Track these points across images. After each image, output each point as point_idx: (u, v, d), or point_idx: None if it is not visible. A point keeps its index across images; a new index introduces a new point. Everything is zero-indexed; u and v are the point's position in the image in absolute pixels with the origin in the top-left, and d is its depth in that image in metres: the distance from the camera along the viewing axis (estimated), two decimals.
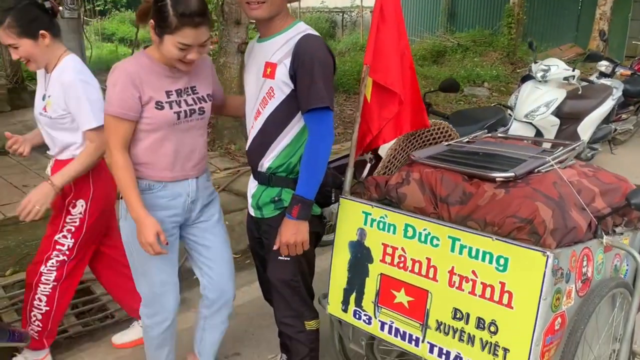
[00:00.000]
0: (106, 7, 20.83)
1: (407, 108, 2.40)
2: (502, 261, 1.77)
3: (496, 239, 1.78)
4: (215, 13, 6.36)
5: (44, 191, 2.34)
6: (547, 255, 1.67)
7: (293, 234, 2.05)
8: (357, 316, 2.20)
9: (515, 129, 5.07)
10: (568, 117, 5.50)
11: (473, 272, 1.84)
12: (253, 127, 2.18)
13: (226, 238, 2.45)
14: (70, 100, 2.37)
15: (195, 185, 2.24)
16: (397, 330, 2.07)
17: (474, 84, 10.67)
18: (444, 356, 1.94)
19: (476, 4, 15.71)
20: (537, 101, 5.15)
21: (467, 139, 2.49)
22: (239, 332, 3.10)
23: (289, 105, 2.06)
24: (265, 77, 2.08)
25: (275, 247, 2.12)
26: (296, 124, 2.09)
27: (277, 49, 2.06)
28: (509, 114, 5.22)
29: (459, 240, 1.87)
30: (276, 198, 2.14)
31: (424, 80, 10.81)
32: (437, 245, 1.93)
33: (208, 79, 2.25)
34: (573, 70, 5.20)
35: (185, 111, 2.11)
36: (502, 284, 1.77)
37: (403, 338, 2.05)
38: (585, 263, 1.90)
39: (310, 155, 2.02)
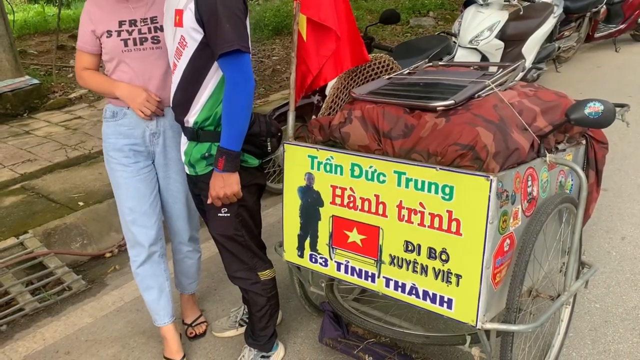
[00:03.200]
0: None
1: (345, 44, 2.33)
2: (447, 190, 1.77)
3: (440, 168, 1.77)
4: None
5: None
6: (491, 180, 1.67)
7: (221, 187, 1.98)
8: (313, 260, 2.19)
9: (461, 56, 5.05)
10: (512, 39, 5.50)
11: (420, 204, 1.83)
12: (172, 81, 2.08)
13: (185, 193, 2.48)
14: None
15: (156, 118, 2.29)
16: (352, 269, 2.07)
17: (420, 14, 10.54)
18: (399, 289, 1.96)
19: None
20: (480, 26, 5.12)
21: (408, 71, 2.44)
22: (201, 289, 3.08)
23: (203, 53, 1.94)
24: (176, 25, 1.96)
25: (208, 202, 2.07)
26: (216, 72, 1.98)
27: None
28: (454, 42, 5.17)
29: (404, 174, 1.86)
30: (207, 154, 2.06)
31: (369, 14, 10.62)
32: (384, 182, 1.91)
33: None
34: None
35: (134, 39, 2.19)
36: (450, 213, 1.77)
37: (359, 276, 2.06)
38: (530, 183, 1.92)
39: (228, 104, 1.91)
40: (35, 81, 6.48)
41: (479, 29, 5.12)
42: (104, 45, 2.22)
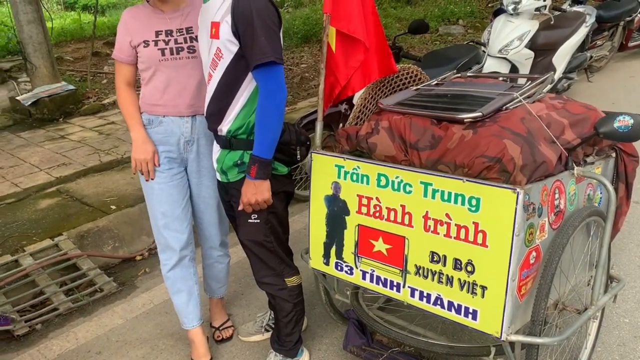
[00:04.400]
0: None
1: (373, 55, 2.36)
2: (474, 202, 1.78)
3: (466, 180, 1.78)
4: None
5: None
6: (517, 192, 1.68)
7: (253, 193, 2.04)
8: (338, 268, 2.22)
9: (490, 65, 5.03)
10: (542, 49, 5.46)
11: (447, 214, 1.85)
12: (207, 91, 2.14)
13: (216, 200, 2.54)
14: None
15: (190, 125, 2.36)
16: (378, 278, 2.10)
17: (449, 22, 10.52)
18: (424, 299, 1.97)
19: None
20: (510, 35, 5.09)
21: (436, 81, 2.46)
22: (228, 293, 3.13)
23: (238, 64, 2.00)
24: (212, 37, 2.02)
25: (239, 208, 2.12)
26: (250, 83, 2.04)
27: (218, 7, 1.98)
28: (483, 51, 5.16)
29: (430, 184, 1.87)
30: (239, 161, 2.11)
31: (398, 22, 10.65)
32: (410, 192, 1.93)
33: None
34: (544, 0, 5.12)
35: (171, 49, 2.26)
36: (476, 224, 1.79)
37: (385, 285, 2.08)
38: (557, 196, 1.92)
39: (262, 113, 1.97)
40: (71, 87, 6.67)
41: (508, 38, 5.09)
42: (140, 54, 2.29)
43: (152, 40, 2.26)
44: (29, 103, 6.36)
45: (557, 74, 5.56)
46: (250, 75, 2.01)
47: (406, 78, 2.58)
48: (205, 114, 2.19)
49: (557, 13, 5.60)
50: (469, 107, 2.00)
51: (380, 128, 2.07)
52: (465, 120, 1.92)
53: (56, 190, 4.47)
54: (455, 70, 2.63)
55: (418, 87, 2.40)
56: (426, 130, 1.96)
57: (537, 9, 5.15)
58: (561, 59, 5.54)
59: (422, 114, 2.03)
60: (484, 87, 2.26)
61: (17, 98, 6.49)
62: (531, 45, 5.24)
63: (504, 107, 1.99)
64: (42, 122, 6.28)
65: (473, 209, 1.79)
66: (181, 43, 2.27)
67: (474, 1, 11.96)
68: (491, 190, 1.74)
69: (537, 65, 5.48)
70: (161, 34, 2.27)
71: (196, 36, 2.26)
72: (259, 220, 2.15)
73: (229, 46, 1.98)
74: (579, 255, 2.14)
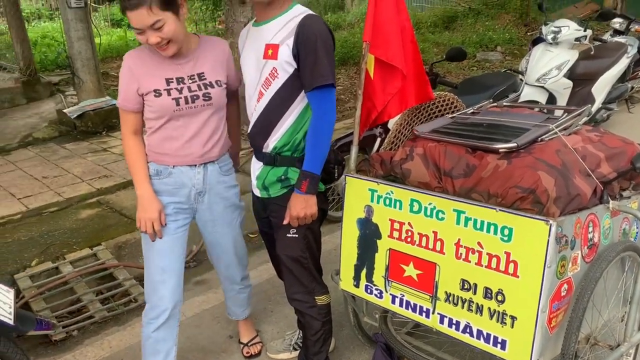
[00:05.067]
0: None
1: (410, 82, 2.40)
2: (506, 231, 1.79)
3: (500, 210, 1.80)
4: None
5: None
6: (550, 224, 1.69)
7: (303, 207, 2.11)
8: (368, 291, 2.25)
9: (527, 93, 5.01)
10: (582, 79, 5.42)
11: (479, 243, 1.87)
12: (255, 109, 2.21)
13: (237, 235, 2.52)
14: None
15: (202, 175, 2.28)
16: (407, 303, 2.12)
17: (487, 48, 10.50)
18: (454, 326, 1.98)
19: None
20: (548, 64, 5.07)
21: (472, 110, 2.49)
22: (258, 310, 3.18)
23: (292, 84, 2.10)
24: (267, 58, 2.10)
25: (285, 222, 2.18)
26: (300, 102, 2.13)
27: (277, 31, 2.08)
28: (520, 79, 5.15)
29: (463, 212, 1.90)
30: (283, 177, 2.19)
31: (436, 47, 10.69)
32: (442, 219, 1.96)
33: (219, 65, 2.24)
34: (585, 31, 5.10)
35: (186, 97, 2.14)
36: (508, 254, 1.80)
37: (414, 310, 2.10)
38: (591, 229, 1.91)
39: (316, 131, 2.08)
40: (114, 102, 6.91)
41: (547, 67, 5.07)
42: (150, 103, 2.15)
43: (165, 90, 2.12)
44: (75, 116, 6.61)
45: (597, 105, 5.50)
46: (301, 95, 2.11)
47: (442, 105, 2.62)
48: (249, 131, 2.26)
49: (597, 43, 5.55)
50: (504, 137, 2.02)
51: (415, 154, 2.11)
52: (500, 150, 1.94)
53: (97, 201, 4.63)
54: (491, 99, 2.65)
55: (454, 115, 2.43)
56: (461, 159, 1.99)
57: (577, 39, 5.13)
58: (601, 89, 5.48)
59: (457, 142, 2.06)
60: (519, 117, 2.28)
61: (64, 111, 6.76)
62: (570, 75, 5.21)
63: (539, 139, 2.00)
64: (86, 135, 6.51)
65: (505, 238, 1.80)
66: (196, 90, 2.16)
67: (513, 28, 11.94)
68: (524, 221, 1.75)
69: (576, 95, 5.43)
70: (172, 81, 2.14)
71: (210, 82, 2.19)
72: (297, 235, 2.21)
73: (286, 67, 2.07)
74: (612, 290, 2.12)
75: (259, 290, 3.37)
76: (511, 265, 1.79)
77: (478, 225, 1.86)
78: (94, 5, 18.69)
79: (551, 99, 5.15)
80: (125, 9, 1.95)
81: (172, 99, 2.12)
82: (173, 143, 2.20)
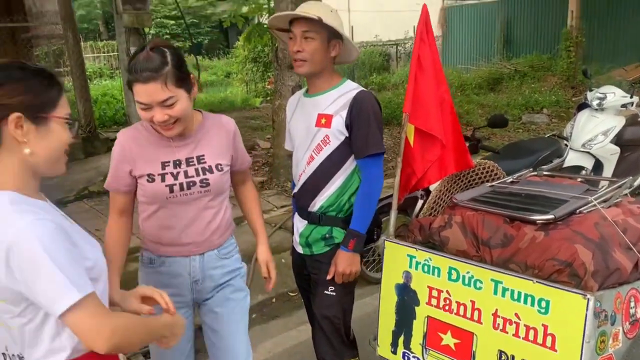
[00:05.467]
0: None
1: (450, 150, 2.48)
2: (543, 304, 1.79)
3: (537, 281, 1.81)
4: (271, 58, 6.67)
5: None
6: (588, 298, 1.69)
7: (349, 264, 2.19)
8: (406, 358, 2.25)
9: (572, 159, 4.97)
10: (629, 144, 5.34)
11: (516, 314, 1.87)
12: (305, 171, 2.32)
13: (242, 325, 2.16)
14: None
15: (198, 264, 2.02)
16: None
17: (533, 110, 10.49)
18: None
19: (532, 29, 15.48)
20: (594, 130, 5.04)
21: (511, 179, 2.53)
22: None
23: (342, 150, 2.23)
24: (320, 126, 2.25)
25: (329, 277, 2.25)
26: (348, 167, 2.25)
27: (330, 103, 2.23)
28: (565, 144, 5.13)
29: (501, 283, 1.91)
30: (327, 235, 2.28)
31: (481, 109, 10.74)
32: (480, 288, 1.97)
33: (223, 146, 2.02)
34: (631, 97, 5.08)
35: (181, 184, 1.91)
36: (545, 327, 1.79)
37: None
38: (633, 304, 1.89)
39: (365, 195, 2.20)
40: None
41: (592, 132, 5.04)
42: (143, 188, 1.93)
43: (159, 174, 1.90)
44: None
45: None
46: (349, 160, 2.23)
47: (482, 173, 2.67)
48: (296, 191, 2.37)
49: None
50: (542, 208, 2.04)
51: (454, 222, 2.15)
52: (537, 221, 1.97)
53: None
54: (531, 168, 2.68)
55: (493, 184, 2.47)
56: (498, 229, 2.02)
57: (624, 105, 5.10)
58: None
59: (495, 212, 2.10)
60: (559, 188, 2.30)
61: None
62: (617, 141, 5.14)
63: (578, 211, 2.02)
64: None
65: (542, 310, 1.80)
66: (192, 176, 1.93)
67: (560, 90, 11.92)
68: (561, 294, 1.75)
69: (625, 161, 5.34)
70: (168, 165, 1.92)
71: (209, 166, 1.96)
72: (334, 293, 2.27)
73: (338, 135, 2.21)
74: None
75: (296, 351, 3.39)
76: (549, 339, 1.78)
77: (515, 296, 1.87)
78: None
79: (598, 165, 5.08)
80: (135, 82, 1.75)
81: (166, 185, 1.90)
82: (167, 232, 1.97)
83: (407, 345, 2.23)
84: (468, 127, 4.73)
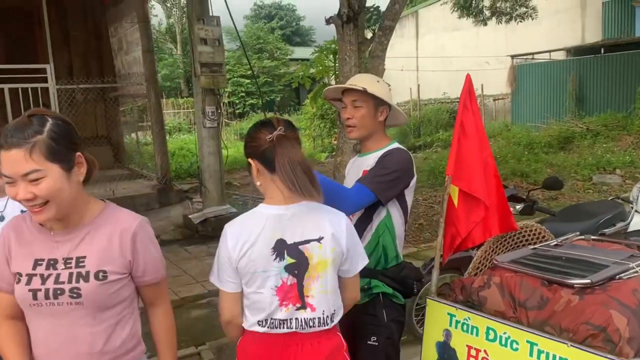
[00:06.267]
0: (245, 109, 23.16)
1: (493, 212, 2.55)
2: None
3: (571, 345, 1.84)
4: (334, 117, 6.94)
5: None
6: None
7: None
8: None
9: (637, 223, 4.82)
10: None
11: None
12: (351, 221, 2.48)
13: None
14: None
15: None
16: None
17: (604, 171, 10.17)
18: None
19: (606, 87, 15.15)
20: None
21: (556, 242, 2.55)
22: None
23: (373, 205, 2.35)
24: None
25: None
26: (377, 216, 2.37)
27: (372, 161, 2.40)
28: (631, 207, 4.99)
29: (536, 345, 1.95)
30: (366, 287, 2.38)
31: (549, 168, 10.54)
32: (517, 349, 2.01)
33: (114, 250, 1.63)
34: None
35: (47, 290, 1.56)
36: None
37: None
38: None
39: (340, 188, 2.29)
40: (234, 210, 7.58)
41: None
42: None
43: (26, 275, 1.59)
44: (198, 221, 7.32)
45: None
46: (379, 208, 2.34)
47: (529, 235, 2.71)
48: None
49: None
50: (581, 272, 2.08)
51: (492, 283, 2.21)
52: (574, 285, 2.00)
53: (207, 302, 5.03)
54: (578, 232, 2.70)
55: (536, 246, 2.51)
56: (535, 291, 2.07)
57: None
58: None
59: (533, 274, 2.15)
60: (602, 253, 2.31)
61: (189, 216, 7.53)
62: None
63: (618, 277, 2.03)
64: (206, 239, 7.15)
65: None
66: (63, 282, 1.57)
67: (634, 150, 11.50)
68: (594, 358, 1.77)
69: None
70: (41, 264, 1.60)
71: (87, 272, 1.59)
72: (377, 344, 2.34)
73: None
74: None
75: None
76: None
77: (550, 359, 1.89)
78: (226, 121, 20.87)
79: None
80: (0, 148, 1.48)
81: (29, 290, 1.57)
82: (37, 349, 1.63)
83: None
84: (535, 187, 4.72)
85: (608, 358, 1.74)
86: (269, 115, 11.91)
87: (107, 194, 8.40)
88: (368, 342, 2.38)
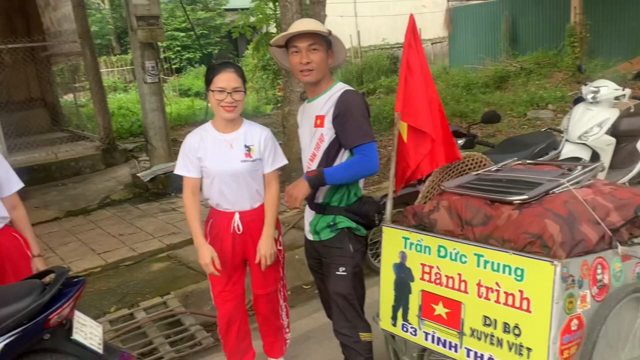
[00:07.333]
0: (182, 64, 22.51)
1: (439, 145, 2.74)
2: (519, 272, 2.05)
3: (512, 253, 2.07)
4: (276, 68, 6.95)
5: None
6: (555, 265, 1.94)
7: (295, 187, 2.50)
8: (404, 329, 2.51)
9: (569, 151, 5.20)
10: (626, 135, 5.55)
11: (496, 283, 2.13)
12: (309, 168, 2.64)
13: None
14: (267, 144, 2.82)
15: None
16: (438, 339, 2.37)
17: (538, 107, 10.68)
18: (479, 359, 2.21)
19: (537, 26, 15.62)
20: (589, 122, 5.26)
21: (496, 167, 2.78)
22: (307, 355, 3.47)
23: (334, 145, 2.56)
24: (317, 127, 2.59)
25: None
26: (339, 160, 2.56)
27: (323, 104, 2.57)
28: (562, 137, 5.35)
29: (482, 256, 2.17)
30: (331, 223, 2.58)
31: (487, 107, 10.94)
32: (465, 262, 2.24)
33: None
34: (623, 90, 5.29)
35: None
36: (521, 292, 2.05)
37: (444, 346, 2.35)
38: (600, 271, 2.14)
39: (351, 162, 2.51)
40: None
41: (588, 125, 5.26)
42: None
43: None
44: (147, 179, 7.28)
45: None
46: (341, 153, 2.54)
47: (472, 164, 2.93)
48: None
49: (637, 102, 5.70)
50: (519, 190, 2.30)
51: (441, 206, 2.42)
52: (513, 202, 2.23)
53: (166, 255, 5.12)
54: (516, 158, 2.93)
55: (479, 172, 2.73)
56: (480, 210, 2.29)
57: (617, 98, 5.32)
58: None
59: (477, 195, 2.36)
60: (538, 173, 2.56)
61: (138, 174, 7.46)
62: (613, 132, 5.35)
63: (551, 192, 2.27)
64: (157, 196, 7.14)
65: (518, 278, 2.06)
66: None
67: (565, 86, 12.07)
68: (533, 262, 2.01)
69: (621, 151, 5.55)
70: None
71: None
72: (345, 273, 2.56)
73: (329, 132, 2.54)
74: (629, 330, 2.29)
75: (311, 335, 3.67)
76: (524, 302, 2.04)
77: (495, 267, 2.13)
78: (163, 77, 20.27)
79: (595, 156, 5.29)
80: None
81: None
82: None
83: (405, 317, 2.49)
84: (474, 125, 4.99)
85: (544, 260, 1.98)
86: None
87: (49, 158, 8.18)
88: (337, 272, 2.58)
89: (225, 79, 2.62)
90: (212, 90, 2.64)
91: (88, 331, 2.55)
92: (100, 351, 2.50)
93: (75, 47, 8.55)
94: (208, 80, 2.67)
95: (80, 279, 2.54)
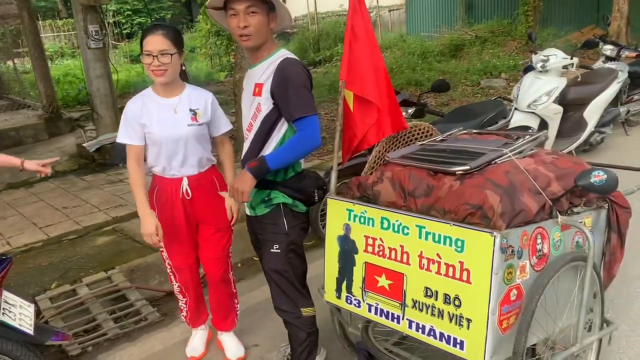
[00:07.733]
0: (133, 29, 21.70)
1: (386, 114, 2.68)
2: (459, 243, 2.03)
3: (453, 224, 2.05)
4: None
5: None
6: (494, 235, 1.93)
7: (239, 180, 2.39)
8: (348, 301, 2.49)
9: (518, 120, 5.26)
10: (573, 104, 5.66)
11: (437, 254, 2.11)
12: (247, 138, 2.54)
13: None
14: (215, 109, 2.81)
15: None
16: (381, 310, 2.35)
17: (491, 75, 10.78)
18: (420, 330, 2.21)
19: None
20: (538, 91, 5.33)
21: (441, 137, 2.75)
22: (257, 327, 3.43)
23: (272, 115, 2.43)
24: (255, 95, 2.46)
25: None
26: (278, 132, 2.44)
27: (263, 72, 2.44)
28: (512, 105, 5.40)
29: (424, 227, 2.15)
30: (266, 198, 2.48)
31: (442, 75, 10.97)
32: (407, 234, 2.21)
33: None
34: (571, 59, 5.36)
35: None
36: (461, 263, 2.04)
37: (387, 317, 2.33)
38: (539, 241, 2.14)
39: (293, 142, 2.38)
40: None
41: (537, 94, 5.32)
42: None
43: None
44: (93, 149, 7.01)
45: (589, 128, 5.72)
46: (279, 124, 2.42)
47: (418, 133, 2.88)
48: (242, 157, 2.57)
49: (583, 71, 5.80)
50: (462, 161, 2.27)
51: (385, 178, 2.37)
52: (455, 172, 2.20)
53: (112, 229, 4.95)
54: (461, 127, 2.91)
55: (423, 142, 2.69)
56: (422, 181, 2.25)
57: (565, 67, 5.38)
58: (592, 113, 5.70)
59: (420, 166, 2.32)
60: (482, 143, 2.53)
61: (83, 144, 7.17)
62: (560, 101, 5.45)
63: (493, 162, 2.25)
64: (103, 167, 6.90)
65: (459, 249, 2.04)
66: None
67: (518, 55, 12.21)
68: (473, 233, 1.99)
69: (568, 120, 5.66)
70: None
71: None
72: (279, 251, 2.49)
73: (267, 102, 2.40)
74: (567, 297, 2.33)
75: (259, 309, 3.62)
76: (465, 273, 2.03)
77: (436, 239, 2.10)
78: (114, 42, 19.51)
79: (543, 124, 5.38)
80: None
81: None
82: None
83: (349, 289, 2.46)
84: (427, 94, 4.96)
85: (484, 231, 1.97)
86: None
87: None
88: (271, 249, 2.51)
89: (152, 42, 2.53)
90: (142, 54, 2.52)
91: (17, 312, 2.43)
92: (31, 332, 2.39)
93: (11, 9, 8.05)
94: (140, 45, 2.54)
95: (6, 257, 2.40)
